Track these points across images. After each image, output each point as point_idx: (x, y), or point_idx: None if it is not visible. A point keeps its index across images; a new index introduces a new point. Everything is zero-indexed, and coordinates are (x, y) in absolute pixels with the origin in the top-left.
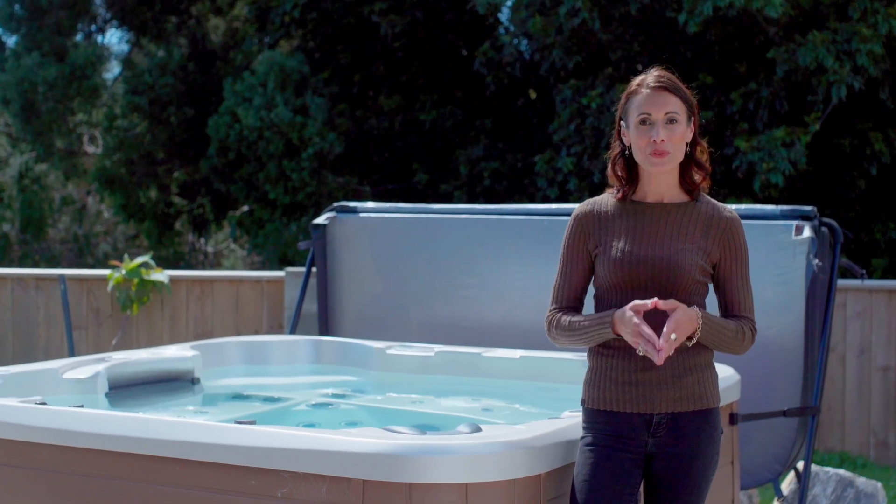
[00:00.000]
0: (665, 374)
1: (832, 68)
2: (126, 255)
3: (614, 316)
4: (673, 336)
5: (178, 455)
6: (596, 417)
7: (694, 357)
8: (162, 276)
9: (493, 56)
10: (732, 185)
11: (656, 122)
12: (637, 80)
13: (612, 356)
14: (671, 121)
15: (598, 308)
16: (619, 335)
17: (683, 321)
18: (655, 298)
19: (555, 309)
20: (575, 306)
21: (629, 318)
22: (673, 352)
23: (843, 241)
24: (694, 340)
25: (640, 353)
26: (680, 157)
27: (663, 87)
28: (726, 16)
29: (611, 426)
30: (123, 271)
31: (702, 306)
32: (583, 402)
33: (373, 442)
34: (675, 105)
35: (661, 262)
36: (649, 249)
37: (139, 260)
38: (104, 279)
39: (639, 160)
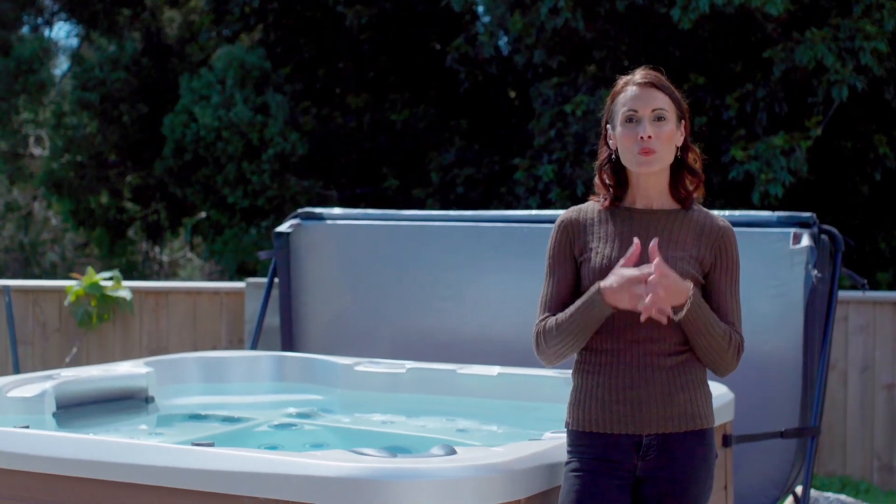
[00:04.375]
0: (655, 392)
1: (833, 67)
2: (90, 268)
3: (601, 286)
4: (650, 297)
5: (130, 479)
6: (581, 440)
7: (686, 373)
8: (124, 292)
9: (467, 51)
10: (728, 195)
11: (643, 118)
12: (623, 79)
13: (597, 373)
14: (659, 118)
15: None
16: (614, 307)
17: (671, 279)
18: (656, 239)
19: (543, 318)
20: None
21: (621, 274)
22: (662, 368)
23: (844, 249)
24: (681, 314)
25: (643, 319)
26: (669, 158)
27: (650, 84)
28: (723, 12)
29: (597, 449)
30: (84, 284)
31: None
32: (567, 425)
33: (339, 465)
34: (662, 102)
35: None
36: (638, 256)
37: (105, 275)
38: (52, 291)
39: (625, 161)
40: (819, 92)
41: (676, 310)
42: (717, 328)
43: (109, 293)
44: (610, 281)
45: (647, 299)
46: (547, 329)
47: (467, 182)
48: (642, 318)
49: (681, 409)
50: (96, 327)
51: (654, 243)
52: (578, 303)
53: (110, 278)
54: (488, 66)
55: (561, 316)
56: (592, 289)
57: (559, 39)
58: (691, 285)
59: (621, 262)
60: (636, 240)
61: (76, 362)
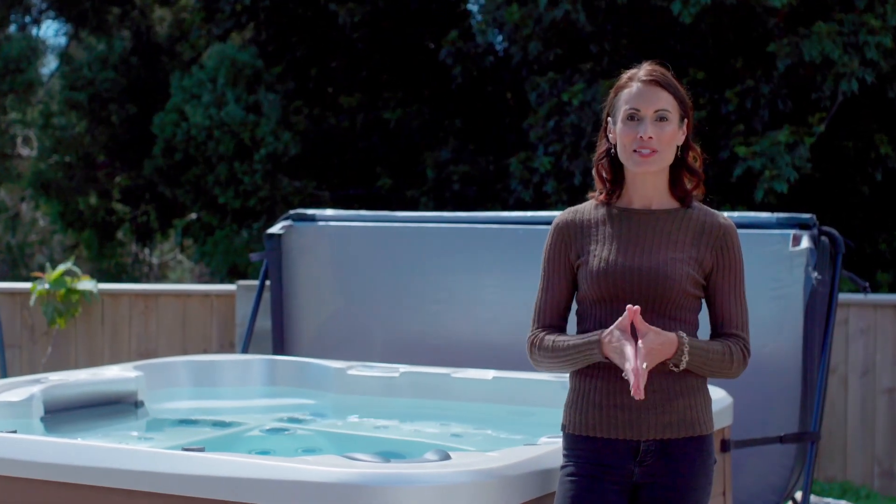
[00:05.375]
0: (654, 398)
1: (841, 61)
2: (48, 264)
3: (601, 336)
4: (643, 365)
5: (120, 485)
6: (577, 444)
7: (685, 378)
8: (89, 283)
9: (461, 46)
10: (729, 193)
11: (645, 118)
12: (627, 73)
13: (595, 377)
14: (661, 118)
15: (579, 326)
16: (607, 358)
17: (655, 346)
18: (636, 308)
19: (538, 329)
20: (559, 325)
21: (617, 336)
22: (662, 372)
23: (844, 251)
24: (682, 366)
25: (625, 377)
26: (669, 159)
27: (655, 82)
28: (723, 5)
29: (594, 454)
30: (47, 283)
31: (694, 322)
32: (563, 428)
33: (332, 471)
34: (666, 102)
35: (648, 272)
36: (636, 259)
37: (62, 268)
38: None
39: (623, 159)
40: (826, 87)
41: (675, 362)
42: (714, 357)
43: (73, 286)
44: (608, 337)
45: (632, 385)
46: (542, 346)
47: (463, 179)
48: (634, 394)
49: (680, 415)
50: (66, 325)
51: (635, 312)
52: (578, 341)
53: (70, 271)
54: (482, 61)
55: (558, 342)
56: (593, 337)
57: (556, 32)
58: (677, 334)
59: (620, 320)
60: (629, 308)
61: (65, 366)
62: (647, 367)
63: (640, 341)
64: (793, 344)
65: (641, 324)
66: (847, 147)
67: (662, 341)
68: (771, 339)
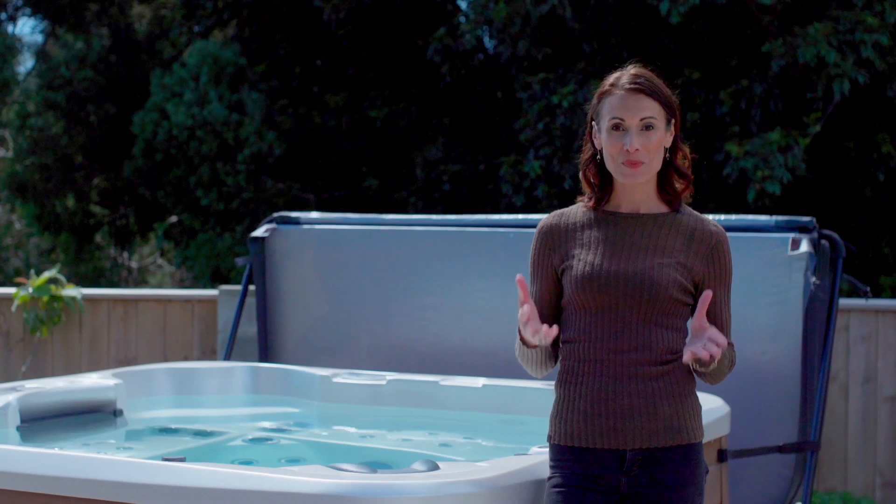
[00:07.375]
0: (639, 404)
1: (834, 62)
2: (32, 271)
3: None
4: (710, 356)
5: (98, 496)
6: (563, 455)
7: (672, 384)
8: (74, 291)
9: (449, 44)
10: (722, 195)
11: (630, 128)
12: (611, 78)
13: (579, 384)
14: (647, 127)
15: (563, 334)
16: (532, 346)
17: (719, 341)
18: (520, 276)
19: None
20: None
21: (521, 314)
22: (647, 379)
23: (845, 255)
24: (713, 366)
25: (536, 343)
26: (657, 166)
27: (639, 90)
28: (714, 3)
29: (580, 465)
30: (30, 289)
31: (683, 329)
32: (549, 439)
33: (317, 481)
34: (652, 109)
35: (635, 277)
36: (622, 264)
37: (47, 275)
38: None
39: (610, 169)
40: (819, 87)
41: (706, 368)
42: (726, 366)
43: (57, 294)
44: (521, 325)
45: (704, 353)
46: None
47: (453, 179)
48: (685, 359)
49: (666, 422)
50: (48, 333)
51: (521, 281)
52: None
53: (55, 279)
54: (471, 59)
55: (516, 344)
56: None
57: (546, 30)
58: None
59: (524, 305)
60: (518, 276)
61: (41, 374)
62: (715, 356)
63: (710, 330)
64: (792, 351)
65: (705, 321)
66: (848, 147)
67: (722, 341)
68: (769, 345)
